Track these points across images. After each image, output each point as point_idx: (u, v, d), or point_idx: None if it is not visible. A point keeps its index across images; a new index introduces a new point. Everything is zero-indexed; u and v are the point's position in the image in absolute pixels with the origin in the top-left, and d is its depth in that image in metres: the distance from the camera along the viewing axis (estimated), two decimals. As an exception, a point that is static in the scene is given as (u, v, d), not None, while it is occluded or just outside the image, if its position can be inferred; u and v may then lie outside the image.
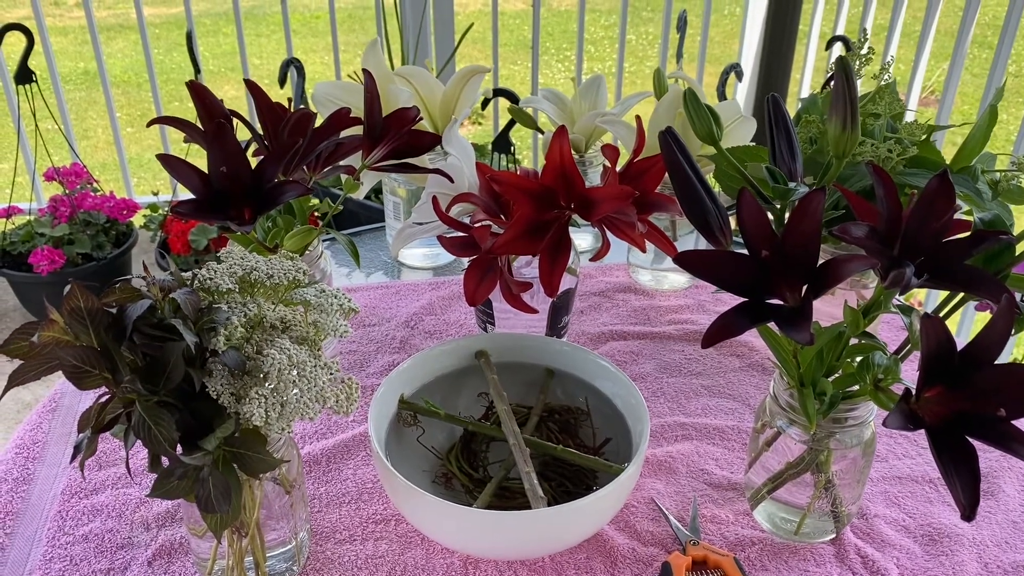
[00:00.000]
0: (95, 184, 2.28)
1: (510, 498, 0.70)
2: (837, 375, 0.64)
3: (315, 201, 0.83)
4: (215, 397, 0.53)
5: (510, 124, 1.24)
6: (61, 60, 4.68)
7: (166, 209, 2.34)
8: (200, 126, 0.75)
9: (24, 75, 1.88)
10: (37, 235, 2.16)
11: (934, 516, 0.73)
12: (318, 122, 0.77)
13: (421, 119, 0.78)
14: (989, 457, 0.78)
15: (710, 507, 0.74)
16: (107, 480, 0.75)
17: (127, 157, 2.69)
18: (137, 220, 2.35)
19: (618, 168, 0.76)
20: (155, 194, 2.59)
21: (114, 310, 0.53)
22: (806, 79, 2.60)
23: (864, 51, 0.73)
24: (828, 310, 0.83)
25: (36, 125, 2.12)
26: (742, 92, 2.65)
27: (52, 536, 0.70)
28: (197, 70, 2.08)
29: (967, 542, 0.70)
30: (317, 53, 4.84)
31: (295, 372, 0.55)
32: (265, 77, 4.31)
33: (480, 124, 4.13)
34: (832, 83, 0.69)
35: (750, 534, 0.71)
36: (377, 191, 2.16)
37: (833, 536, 0.71)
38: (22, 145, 2.31)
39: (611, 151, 0.78)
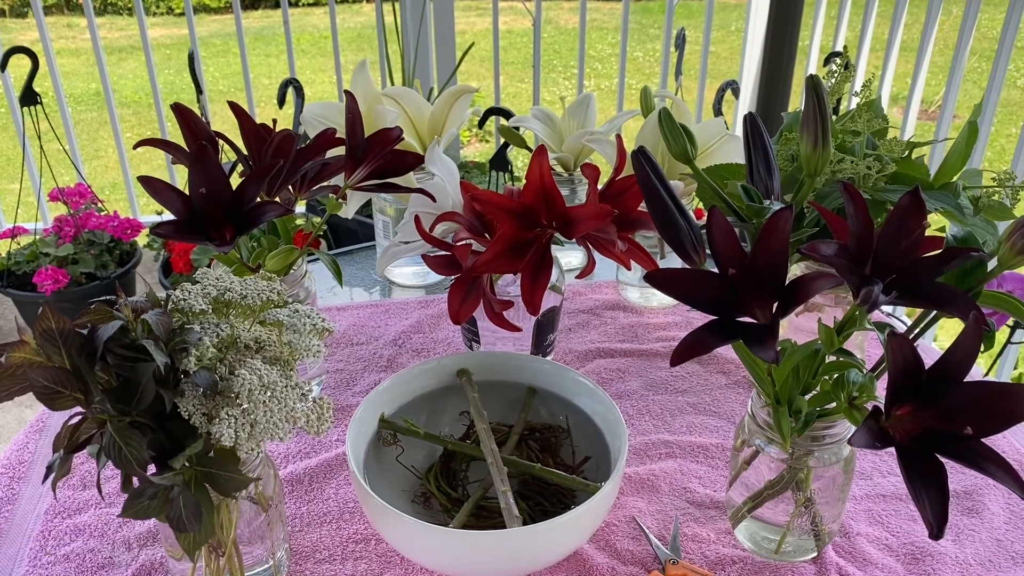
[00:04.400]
0: (99, 204, 2.30)
1: (487, 517, 0.69)
2: (814, 393, 0.63)
3: (299, 221, 0.84)
4: (187, 417, 0.54)
5: (507, 143, 1.25)
6: (74, 81, 4.74)
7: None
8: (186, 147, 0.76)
9: (29, 97, 1.91)
10: (42, 255, 2.18)
11: (917, 535, 0.72)
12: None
13: (403, 139, 0.79)
14: (974, 475, 0.78)
15: (692, 526, 0.73)
16: (90, 500, 0.75)
17: (135, 176, 2.72)
18: (141, 239, 2.37)
19: (600, 186, 0.76)
20: (159, 213, 2.61)
21: (86, 331, 0.54)
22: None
23: (845, 68, 0.73)
24: (811, 326, 0.83)
25: (41, 146, 2.15)
26: (743, 108, 2.65)
27: (34, 556, 0.70)
28: (199, 91, 2.10)
29: (950, 561, 0.70)
30: (326, 73, 4.89)
31: (268, 393, 0.55)
32: (274, 97, 4.35)
33: (487, 142, 4.15)
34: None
35: (731, 553, 0.70)
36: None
37: (814, 555, 0.70)
38: (28, 166, 2.33)
39: (591, 170, 0.78)
